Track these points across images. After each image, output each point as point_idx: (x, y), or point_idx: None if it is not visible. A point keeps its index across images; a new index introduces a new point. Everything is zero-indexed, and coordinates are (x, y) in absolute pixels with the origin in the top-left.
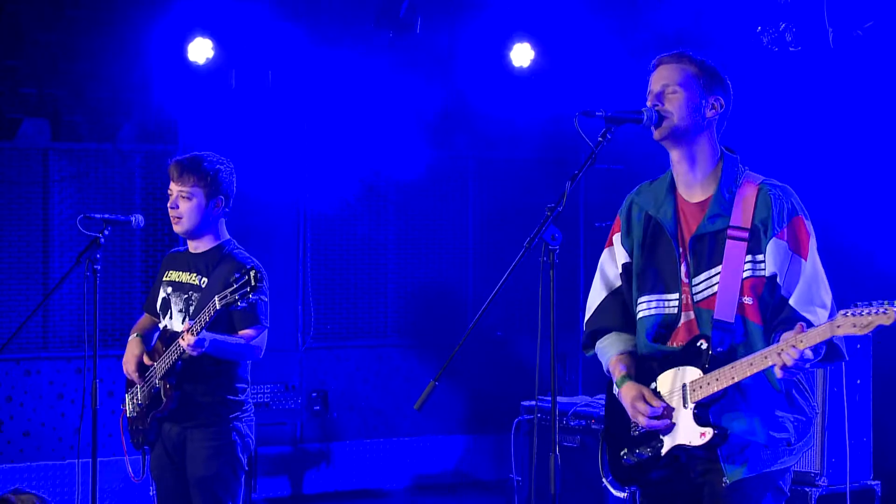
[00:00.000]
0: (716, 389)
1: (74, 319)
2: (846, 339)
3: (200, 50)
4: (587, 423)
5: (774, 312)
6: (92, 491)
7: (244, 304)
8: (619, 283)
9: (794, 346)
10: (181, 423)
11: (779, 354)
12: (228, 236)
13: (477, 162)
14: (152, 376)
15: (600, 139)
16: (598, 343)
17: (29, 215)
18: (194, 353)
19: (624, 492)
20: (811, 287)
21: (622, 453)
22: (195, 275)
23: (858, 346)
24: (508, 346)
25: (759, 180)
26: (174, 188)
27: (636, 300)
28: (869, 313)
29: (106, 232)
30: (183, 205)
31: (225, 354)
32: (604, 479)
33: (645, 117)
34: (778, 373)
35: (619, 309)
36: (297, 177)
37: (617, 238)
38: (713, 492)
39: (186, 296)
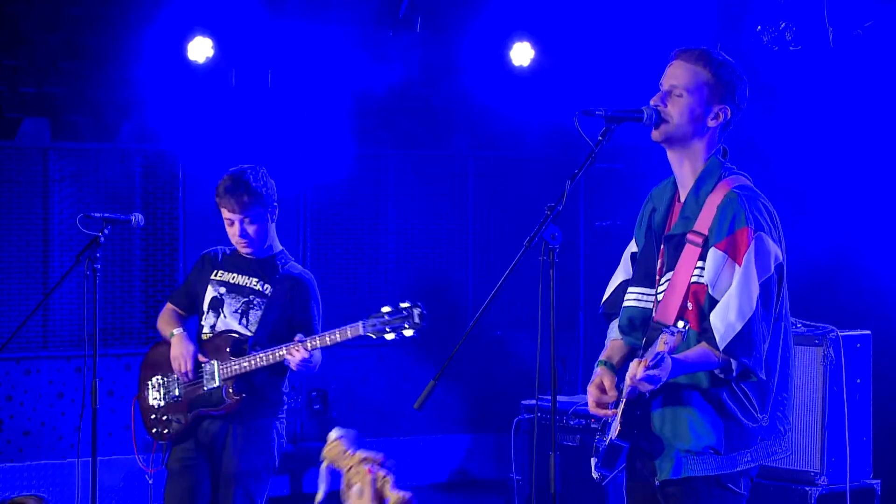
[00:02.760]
0: (629, 386)
1: (74, 319)
2: (846, 338)
3: (200, 49)
4: (587, 422)
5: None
6: (92, 490)
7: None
8: (633, 272)
9: (639, 362)
10: (226, 419)
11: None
12: (281, 246)
13: (477, 161)
14: (208, 374)
15: (600, 138)
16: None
17: (29, 215)
18: (300, 369)
19: (598, 473)
20: (729, 304)
21: (599, 437)
22: (256, 280)
23: (858, 345)
24: (508, 345)
25: (735, 185)
26: (235, 217)
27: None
28: (669, 332)
29: (106, 231)
30: (251, 230)
31: (309, 370)
32: (592, 458)
33: (645, 116)
34: (627, 381)
35: None
36: (297, 176)
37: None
38: (658, 489)
39: (246, 299)
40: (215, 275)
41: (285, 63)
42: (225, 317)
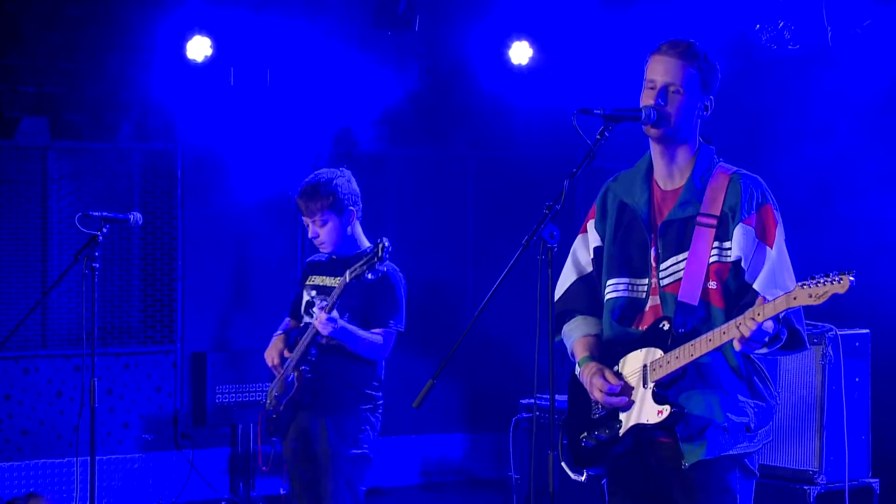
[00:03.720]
0: (675, 367)
1: (73, 317)
2: (845, 336)
3: (199, 48)
4: None
5: (737, 297)
6: (90, 489)
7: (373, 276)
8: (590, 268)
9: (752, 319)
10: (319, 413)
11: (737, 327)
12: (368, 243)
13: (476, 160)
14: (288, 366)
15: (598, 137)
16: (564, 326)
17: (28, 214)
18: (325, 332)
19: (581, 475)
20: (775, 272)
21: (582, 437)
22: (339, 279)
23: (857, 344)
24: (507, 344)
25: (732, 170)
26: (307, 220)
27: (605, 283)
28: (824, 283)
29: (104, 230)
30: (321, 231)
31: (353, 344)
32: (562, 463)
33: (644, 116)
34: (736, 346)
35: (587, 293)
36: (296, 175)
37: (591, 224)
38: (678, 475)
39: None
40: (309, 280)
41: (284, 62)
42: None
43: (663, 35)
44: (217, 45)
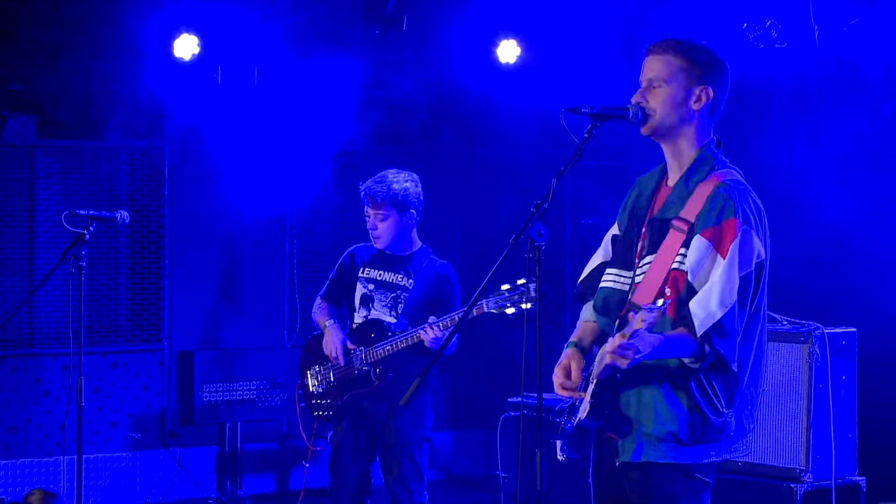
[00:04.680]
0: (602, 367)
1: (60, 316)
2: (831, 335)
3: (186, 46)
4: None
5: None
6: (77, 487)
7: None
8: (611, 256)
9: (622, 335)
10: (387, 401)
11: (610, 340)
12: (420, 243)
13: (463, 158)
14: (358, 359)
15: (586, 136)
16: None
17: (14, 212)
18: (432, 346)
19: (563, 455)
20: (712, 290)
21: (572, 419)
22: (401, 276)
23: (844, 342)
24: (494, 342)
25: (725, 177)
26: (371, 212)
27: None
28: (654, 310)
29: (91, 228)
30: (381, 225)
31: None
32: (557, 441)
33: (630, 114)
34: (607, 357)
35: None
36: (284, 173)
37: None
38: (620, 471)
39: (394, 294)
40: (363, 272)
41: (271, 60)
42: (375, 310)
43: (651, 32)
44: (204, 44)
